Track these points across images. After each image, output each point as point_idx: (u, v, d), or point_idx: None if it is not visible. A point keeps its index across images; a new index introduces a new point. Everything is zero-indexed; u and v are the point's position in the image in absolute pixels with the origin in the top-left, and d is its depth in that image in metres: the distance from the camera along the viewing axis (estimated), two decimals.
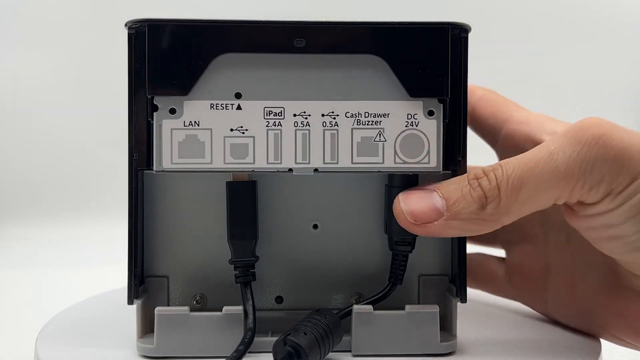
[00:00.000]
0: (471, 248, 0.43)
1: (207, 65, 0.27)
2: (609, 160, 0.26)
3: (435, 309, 0.28)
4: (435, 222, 0.27)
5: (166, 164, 0.27)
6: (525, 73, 0.77)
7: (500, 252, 0.41)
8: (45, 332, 0.32)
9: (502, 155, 0.38)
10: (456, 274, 0.29)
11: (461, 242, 0.29)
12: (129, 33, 0.27)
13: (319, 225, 0.31)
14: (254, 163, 0.27)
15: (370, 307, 0.28)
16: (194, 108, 0.27)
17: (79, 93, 0.82)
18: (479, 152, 0.37)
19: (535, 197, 0.27)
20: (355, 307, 0.27)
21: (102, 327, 0.33)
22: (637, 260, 0.28)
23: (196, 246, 0.30)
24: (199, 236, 0.30)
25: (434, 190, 0.27)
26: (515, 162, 0.27)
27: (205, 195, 0.30)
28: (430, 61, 0.27)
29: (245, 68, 0.27)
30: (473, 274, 0.42)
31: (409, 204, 0.27)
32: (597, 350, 0.31)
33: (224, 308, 0.27)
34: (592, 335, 0.34)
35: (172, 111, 0.27)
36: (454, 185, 0.27)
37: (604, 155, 0.26)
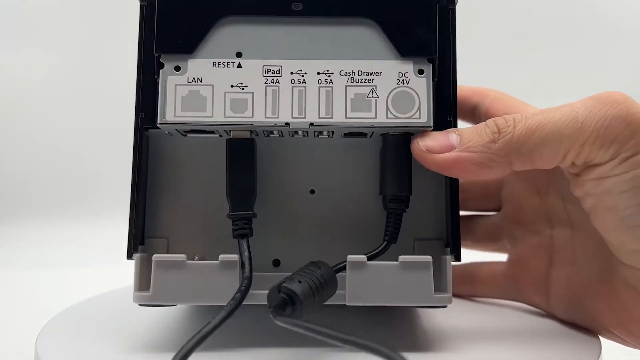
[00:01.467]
0: (477, 255, 0.44)
1: (211, 27, 0.29)
2: (625, 122, 0.27)
3: (429, 259, 0.28)
4: (447, 153, 0.28)
5: (169, 117, 0.28)
6: (525, 73, 0.78)
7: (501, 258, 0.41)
8: (46, 332, 0.32)
9: None
10: (450, 235, 0.30)
11: (454, 201, 0.30)
12: (140, 4, 0.30)
13: (315, 191, 0.32)
14: (252, 117, 0.28)
15: (363, 256, 0.28)
16: (198, 66, 0.29)
17: (80, 94, 0.84)
18: None
19: (549, 143, 0.27)
20: (349, 256, 0.28)
21: (102, 327, 0.33)
22: (625, 240, 0.29)
23: (196, 209, 0.31)
24: (199, 199, 0.31)
25: (452, 131, 0.29)
26: (537, 111, 0.28)
27: (206, 160, 0.31)
28: (419, 22, 0.29)
29: (246, 29, 0.29)
30: (474, 275, 0.42)
31: (425, 139, 0.29)
32: (597, 352, 0.30)
33: (220, 256, 0.28)
34: (591, 332, 0.34)
35: (177, 68, 0.29)
36: (472, 128, 0.29)
37: (622, 116, 0.27)
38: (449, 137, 0.29)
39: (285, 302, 0.26)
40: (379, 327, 0.34)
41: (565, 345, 0.31)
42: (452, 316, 0.38)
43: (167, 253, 0.30)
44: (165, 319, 0.34)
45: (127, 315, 0.34)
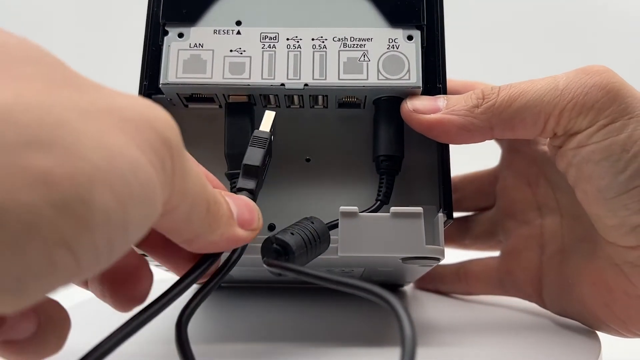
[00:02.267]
0: (470, 254, 0.43)
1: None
2: (604, 90, 0.28)
3: (420, 210, 0.28)
4: (432, 115, 0.29)
5: (171, 78, 0.30)
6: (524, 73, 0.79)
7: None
8: None
9: (508, 149, 0.40)
10: (442, 199, 0.30)
11: (445, 167, 0.30)
12: None
13: (311, 159, 0.32)
14: (249, 79, 0.30)
15: (355, 207, 0.28)
16: (200, 33, 0.31)
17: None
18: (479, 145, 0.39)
19: (530, 109, 0.28)
20: (341, 207, 0.28)
21: (102, 326, 0.33)
22: (603, 213, 0.29)
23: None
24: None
25: (441, 97, 0.30)
26: (522, 81, 0.29)
27: (207, 131, 0.32)
28: None
29: (246, 0, 0.31)
30: (468, 272, 0.42)
31: (414, 100, 0.30)
32: (597, 352, 0.30)
33: None
34: (592, 331, 0.33)
35: (180, 35, 0.31)
36: (460, 95, 0.30)
37: (601, 85, 0.28)
38: (436, 100, 0.30)
39: (278, 253, 0.26)
40: (372, 323, 0.34)
41: (566, 343, 0.31)
42: (452, 315, 0.38)
43: None
44: (164, 314, 0.34)
45: (126, 316, 0.34)
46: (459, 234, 0.43)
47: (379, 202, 0.30)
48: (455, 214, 0.30)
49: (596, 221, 0.30)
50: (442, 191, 0.30)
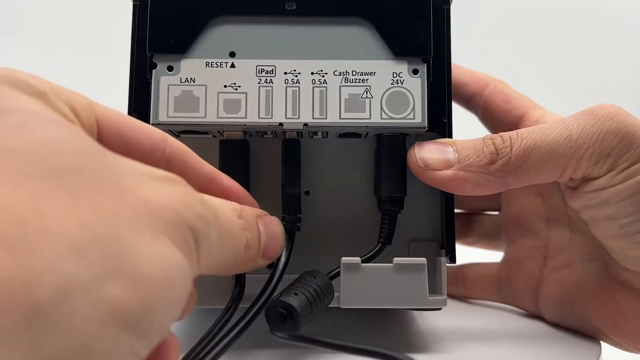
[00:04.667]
0: (469, 257, 0.43)
1: (204, 27, 0.29)
2: (619, 136, 0.27)
3: (423, 261, 0.28)
4: (445, 171, 0.28)
5: (162, 117, 0.28)
6: (523, 72, 0.78)
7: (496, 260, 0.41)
8: None
9: None
10: (445, 236, 0.29)
11: (449, 204, 0.30)
12: (133, 4, 0.29)
13: (310, 192, 0.31)
14: (245, 117, 0.28)
15: (357, 259, 0.28)
16: (190, 66, 0.28)
17: (80, 88, 0.84)
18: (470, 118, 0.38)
19: (546, 162, 0.27)
20: (343, 258, 0.28)
21: None
22: (626, 246, 0.29)
23: None
24: None
25: (449, 144, 0.28)
26: (532, 129, 0.28)
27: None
28: (413, 22, 0.28)
29: (240, 29, 0.29)
30: (466, 276, 0.42)
31: (422, 151, 0.28)
32: (597, 354, 0.30)
33: None
34: (584, 334, 0.33)
35: (170, 68, 0.28)
36: (469, 142, 0.28)
37: (615, 130, 0.27)
38: (446, 151, 0.28)
39: (283, 317, 0.25)
40: (371, 328, 0.33)
41: (567, 348, 0.31)
42: (449, 318, 0.38)
43: None
44: None
45: None
46: (463, 231, 0.43)
47: (380, 244, 0.29)
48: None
49: (616, 252, 0.30)
50: (446, 231, 0.29)
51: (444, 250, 0.30)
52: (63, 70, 0.83)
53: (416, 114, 0.28)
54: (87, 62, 0.85)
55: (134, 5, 0.29)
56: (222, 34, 0.29)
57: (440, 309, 0.28)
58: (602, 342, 0.33)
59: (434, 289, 0.29)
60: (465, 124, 0.36)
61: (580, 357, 0.30)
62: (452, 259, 0.29)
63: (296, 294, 0.26)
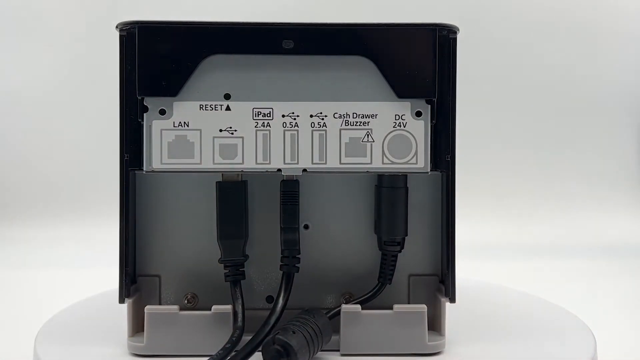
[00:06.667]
0: (465, 264, 0.43)
1: (197, 67, 0.27)
2: None
3: (423, 308, 0.28)
4: None
5: (156, 164, 0.27)
6: (522, 72, 0.77)
7: (496, 261, 0.41)
8: (45, 332, 0.32)
9: None
10: (446, 274, 0.29)
11: (450, 242, 0.29)
12: (120, 35, 0.28)
13: (309, 226, 0.31)
14: (242, 163, 0.27)
15: (358, 306, 0.28)
16: (184, 109, 0.27)
17: (79, 95, 0.82)
18: (471, 153, 0.37)
19: None
20: (343, 306, 0.28)
21: (101, 326, 0.33)
22: None
23: (187, 246, 0.30)
24: (190, 236, 0.30)
25: None
26: None
27: (196, 195, 0.30)
28: (417, 62, 0.27)
29: (234, 69, 0.27)
30: None
31: None
32: (592, 349, 0.31)
33: (213, 307, 0.28)
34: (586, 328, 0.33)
35: (162, 112, 0.27)
36: None
37: None
38: None
39: (280, 354, 0.26)
40: None
41: (561, 341, 0.31)
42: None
43: (159, 291, 0.30)
44: None
45: (125, 315, 0.35)
46: None
47: (380, 283, 0.29)
48: None
49: None
50: (447, 267, 0.29)
51: (444, 288, 0.29)
52: (64, 70, 0.81)
53: (419, 159, 0.27)
54: (88, 62, 0.82)
55: (120, 37, 0.28)
56: (216, 75, 0.27)
57: (440, 352, 0.28)
58: (596, 340, 0.33)
59: (433, 327, 0.29)
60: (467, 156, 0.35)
61: (575, 349, 0.30)
62: (452, 299, 0.29)
63: (294, 332, 0.26)
